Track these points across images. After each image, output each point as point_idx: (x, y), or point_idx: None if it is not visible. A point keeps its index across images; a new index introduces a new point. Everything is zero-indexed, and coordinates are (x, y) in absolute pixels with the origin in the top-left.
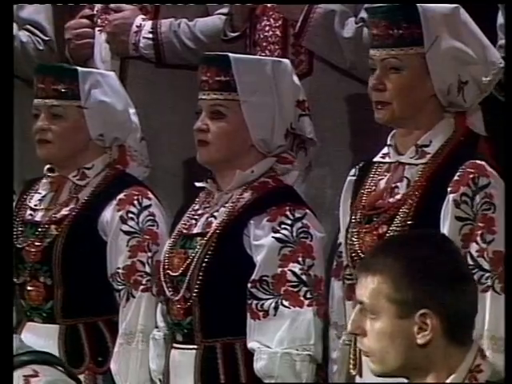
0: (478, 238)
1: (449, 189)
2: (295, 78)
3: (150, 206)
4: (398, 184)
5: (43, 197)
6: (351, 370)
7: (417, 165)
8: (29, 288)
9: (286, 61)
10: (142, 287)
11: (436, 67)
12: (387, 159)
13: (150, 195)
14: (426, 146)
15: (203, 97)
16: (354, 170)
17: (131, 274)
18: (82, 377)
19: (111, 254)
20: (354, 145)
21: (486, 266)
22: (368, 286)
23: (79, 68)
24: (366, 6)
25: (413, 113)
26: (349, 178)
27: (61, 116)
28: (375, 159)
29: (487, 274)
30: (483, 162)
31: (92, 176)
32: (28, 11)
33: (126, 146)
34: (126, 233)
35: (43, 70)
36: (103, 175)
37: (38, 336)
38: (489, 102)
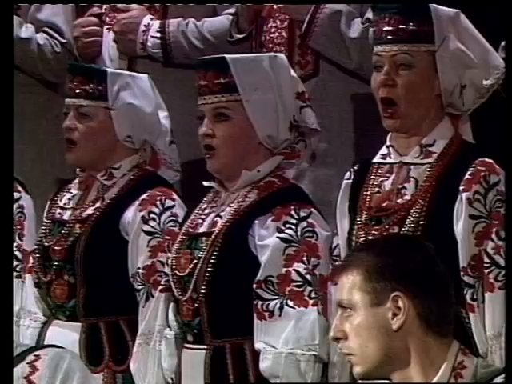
0: (494, 236)
1: (461, 187)
2: (292, 71)
3: (172, 206)
4: (406, 185)
5: (73, 196)
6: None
7: (423, 164)
8: (54, 286)
9: (282, 55)
10: (160, 287)
11: (444, 66)
12: (388, 160)
13: (174, 196)
14: (431, 145)
15: (204, 101)
16: (348, 174)
17: (151, 274)
18: (101, 375)
19: (132, 253)
20: (361, 145)
21: (503, 263)
22: (344, 285)
23: (109, 69)
24: (373, 4)
25: (418, 112)
26: (344, 181)
27: (88, 116)
28: (374, 160)
29: (504, 272)
30: (491, 160)
31: (119, 176)
32: (46, 13)
33: (155, 148)
34: (147, 233)
35: (74, 69)
36: (130, 176)
37: (61, 333)
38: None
